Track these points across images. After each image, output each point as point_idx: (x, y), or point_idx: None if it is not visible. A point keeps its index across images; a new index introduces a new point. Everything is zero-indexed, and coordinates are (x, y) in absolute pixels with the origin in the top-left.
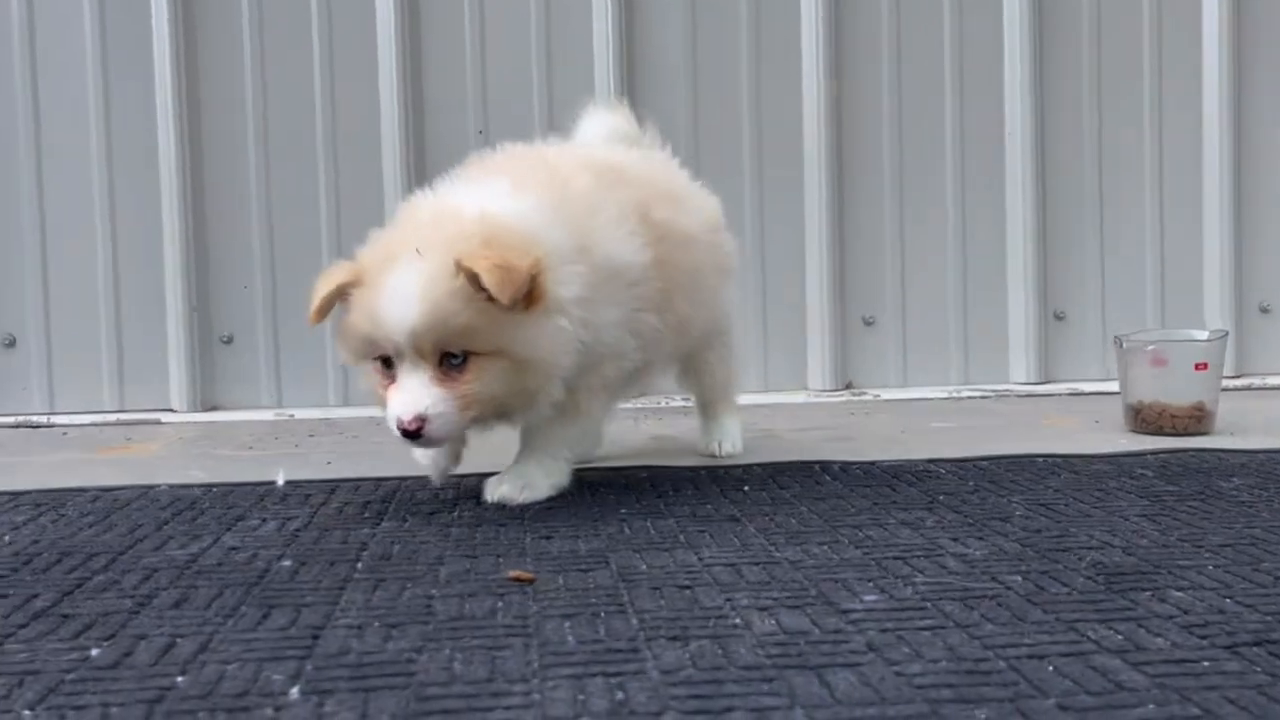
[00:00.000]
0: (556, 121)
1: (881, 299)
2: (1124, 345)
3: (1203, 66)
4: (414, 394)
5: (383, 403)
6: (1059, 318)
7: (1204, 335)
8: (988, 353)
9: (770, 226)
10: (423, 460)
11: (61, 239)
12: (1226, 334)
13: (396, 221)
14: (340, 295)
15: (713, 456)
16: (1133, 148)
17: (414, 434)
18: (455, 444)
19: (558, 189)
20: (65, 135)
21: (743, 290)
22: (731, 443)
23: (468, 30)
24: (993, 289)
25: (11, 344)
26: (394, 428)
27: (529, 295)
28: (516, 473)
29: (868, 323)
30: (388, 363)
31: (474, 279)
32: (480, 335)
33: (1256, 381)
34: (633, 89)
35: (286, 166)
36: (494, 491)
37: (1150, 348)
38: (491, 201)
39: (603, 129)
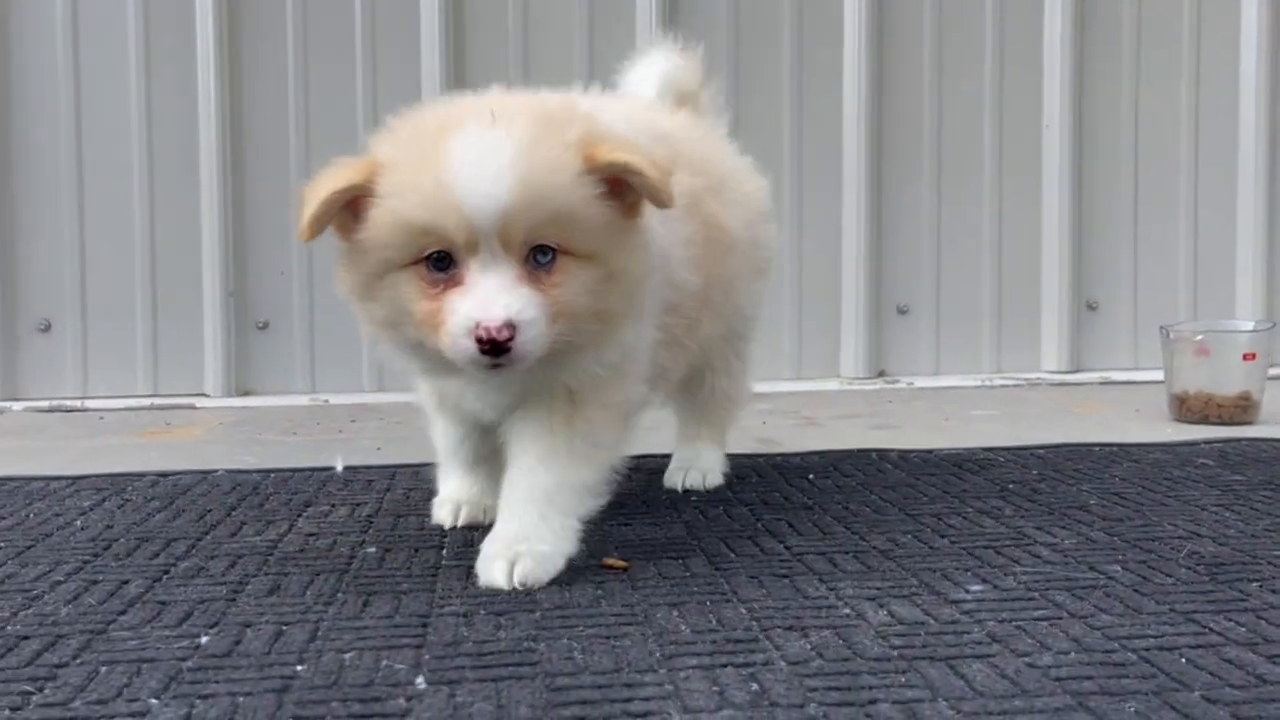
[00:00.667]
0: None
1: (916, 288)
2: (1170, 335)
3: (1239, 68)
4: (499, 294)
5: (424, 323)
6: (1091, 307)
7: (1249, 325)
8: (1020, 341)
9: (808, 213)
10: (445, 512)
11: (99, 224)
12: (1275, 325)
13: (427, 109)
14: (351, 198)
15: (675, 491)
16: (1169, 141)
17: (501, 348)
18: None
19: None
20: (106, 119)
21: (776, 277)
22: (703, 475)
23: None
24: (1026, 279)
25: (47, 328)
26: (466, 343)
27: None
28: (526, 538)
29: (902, 311)
30: (441, 263)
31: (626, 174)
32: (582, 229)
33: None
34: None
35: (327, 151)
36: (507, 573)
37: (1199, 338)
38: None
39: (656, 78)
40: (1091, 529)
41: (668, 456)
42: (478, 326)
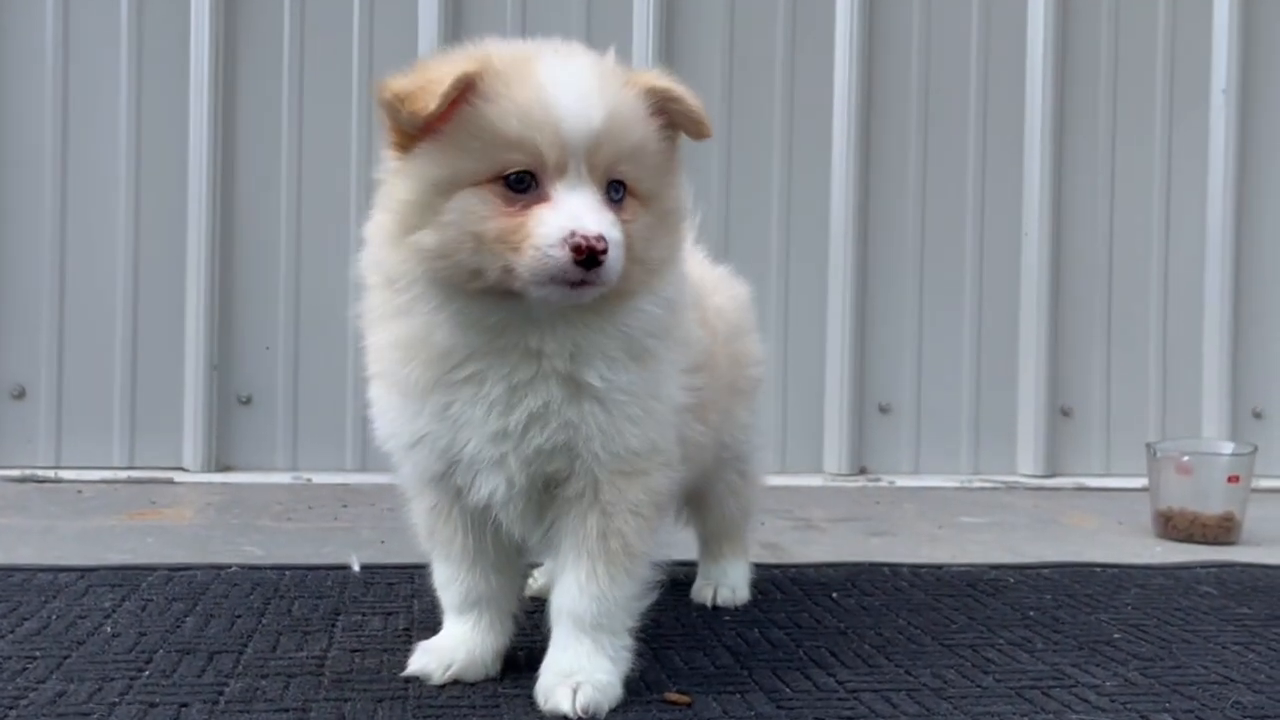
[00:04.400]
0: None
1: (898, 388)
2: (1157, 454)
3: (1208, 183)
4: (591, 210)
5: (500, 240)
6: (1065, 414)
7: (1229, 448)
8: (997, 444)
9: (794, 310)
10: (430, 661)
11: (79, 289)
12: (1255, 449)
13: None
14: (467, 88)
15: (704, 608)
16: (1141, 253)
17: (595, 259)
18: (503, 618)
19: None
20: (90, 181)
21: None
22: (732, 590)
23: None
24: (1004, 383)
25: (20, 395)
26: (558, 253)
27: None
28: (584, 668)
29: (883, 410)
30: (520, 183)
31: (667, 100)
32: (649, 166)
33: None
34: None
35: (316, 229)
36: (571, 702)
37: (1185, 458)
38: None
39: None
40: (1127, 669)
41: (685, 565)
42: (574, 235)
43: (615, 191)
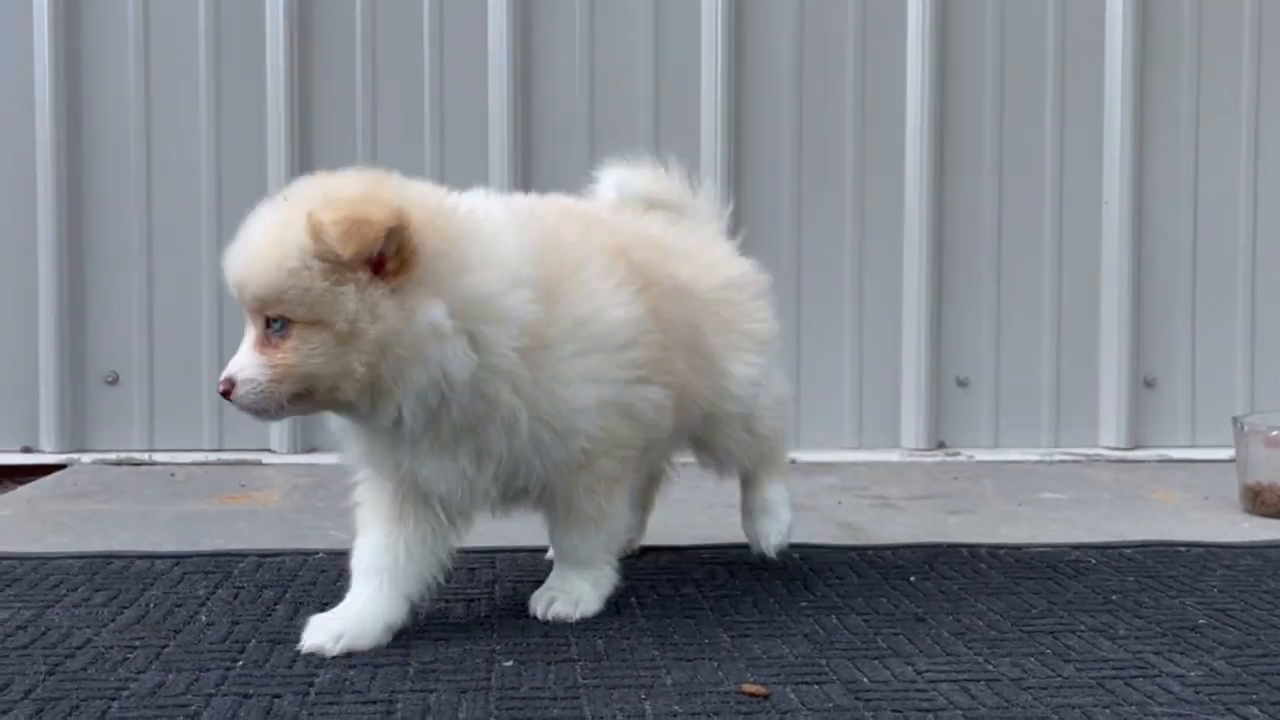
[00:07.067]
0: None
1: (976, 360)
2: (1244, 427)
3: None
4: (237, 356)
5: None
6: (1149, 384)
7: None
8: (1078, 416)
9: (869, 283)
10: (325, 635)
11: (167, 276)
12: None
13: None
14: None
15: (763, 561)
16: (1228, 220)
17: (227, 397)
18: (392, 604)
19: (537, 223)
20: (176, 171)
21: (837, 348)
22: (783, 528)
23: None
24: (1085, 354)
25: (114, 380)
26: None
27: (385, 262)
28: (564, 588)
29: (961, 383)
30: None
31: (319, 232)
32: (309, 299)
33: None
34: (739, 135)
35: None
36: (545, 609)
37: (1274, 432)
38: (442, 193)
39: (616, 190)
40: (1213, 657)
41: (743, 545)
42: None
43: (276, 324)
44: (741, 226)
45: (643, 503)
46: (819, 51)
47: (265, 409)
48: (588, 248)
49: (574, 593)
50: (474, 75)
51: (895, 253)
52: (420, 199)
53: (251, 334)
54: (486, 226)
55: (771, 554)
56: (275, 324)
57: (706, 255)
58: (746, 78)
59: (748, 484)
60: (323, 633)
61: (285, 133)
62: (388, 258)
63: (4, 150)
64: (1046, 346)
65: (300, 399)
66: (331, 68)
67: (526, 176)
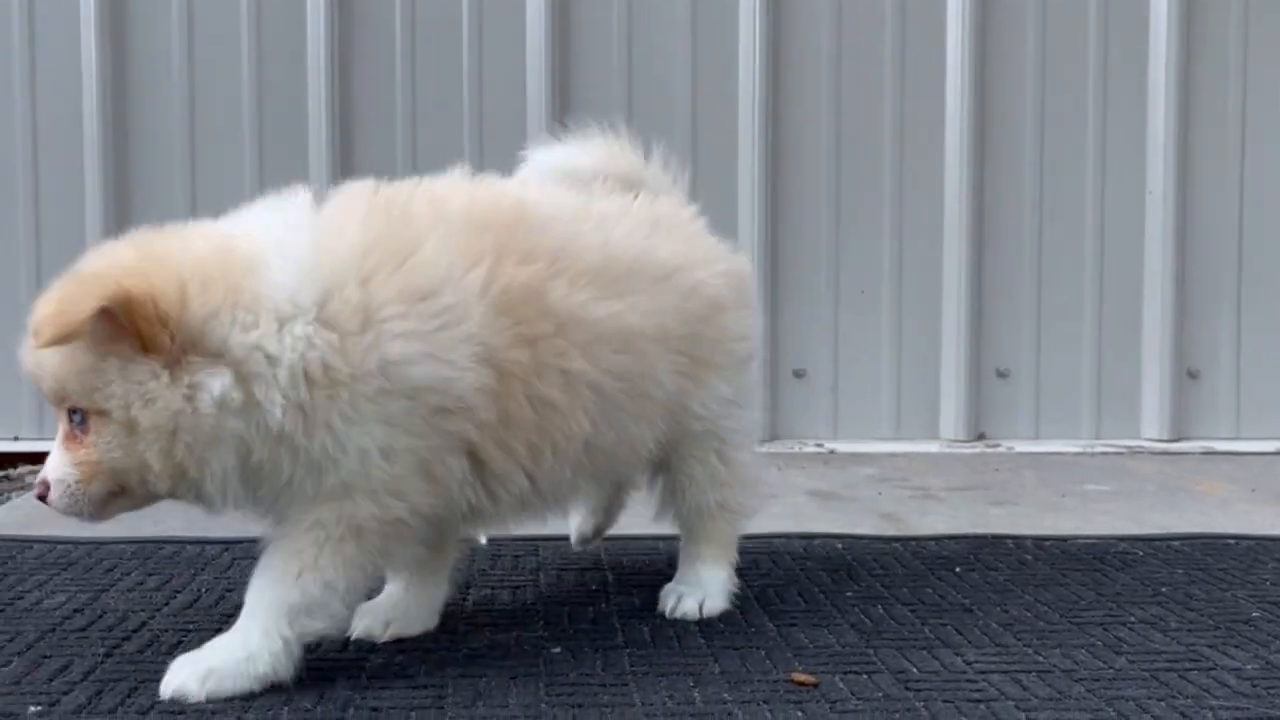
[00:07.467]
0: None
1: (1016, 351)
2: None
3: None
4: (50, 454)
5: None
6: (1192, 376)
7: None
8: (1119, 407)
9: (909, 272)
10: (374, 621)
11: None
12: None
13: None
14: None
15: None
16: (1273, 210)
17: (42, 500)
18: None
19: (377, 238)
20: (219, 154)
21: (875, 338)
22: (698, 604)
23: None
24: (1127, 344)
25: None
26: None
27: (126, 341)
28: (208, 652)
29: (1001, 374)
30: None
31: (34, 321)
32: (86, 387)
33: None
34: (777, 126)
35: None
36: (169, 682)
37: None
38: (256, 227)
39: (551, 169)
40: (1268, 650)
41: (789, 535)
42: None
43: (77, 419)
44: (779, 219)
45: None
46: (858, 41)
47: (79, 512)
48: (440, 271)
49: (213, 661)
50: (512, 56)
51: (935, 241)
52: (179, 261)
53: (60, 429)
54: (270, 264)
55: (675, 616)
56: (75, 416)
57: (687, 276)
58: (785, 69)
59: (692, 556)
60: (373, 620)
61: (326, 135)
62: (138, 335)
63: (53, 153)
64: (1088, 337)
65: (118, 497)
66: (372, 67)
67: None
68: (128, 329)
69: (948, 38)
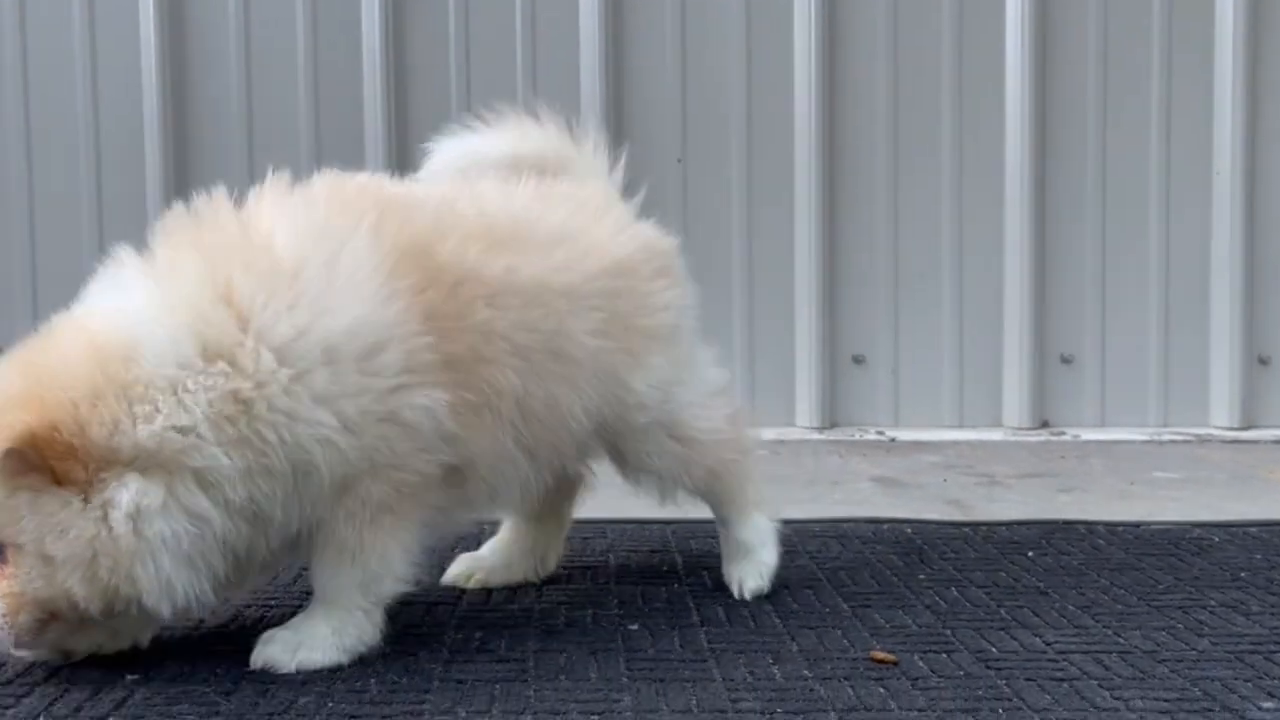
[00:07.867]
0: (757, 144)
1: (1080, 336)
2: None
3: None
4: None
5: None
6: (1263, 362)
7: None
8: (1188, 394)
9: (969, 260)
10: (461, 567)
11: None
12: None
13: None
14: None
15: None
16: None
17: None
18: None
19: (216, 254)
20: (275, 133)
21: (936, 324)
22: (757, 574)
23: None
24: (1195, 329)
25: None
26: None
27: (35, 475)
28: (297, 627)
29: (1065, 360)
30: None
31: None
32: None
33: None
34: (833, 110)
35: None
36: (259, 654)
37: None
38: (108, 310)
39: (451, 163)
40: None
41: (856, 520)
42: None
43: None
44: (837, 201)
45: (554, 516)
46: (914, 22)
47: (13, 644)
48: (324, 248)
49: (302, 635)
50: (566, 41)
51: (995, 224)
52: (63, 380)
53: None
54: (138, 341)
55: (747, 598)
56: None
57: (585, 237)
58: (840, 54)
59: (722, 522)
60: (461, 566)
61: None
62: (49, 471)
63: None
64: (1154, 322)
65: (52, 623)
66: (427, 74)
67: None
68: (38, 465)
69: (1007, 21)
